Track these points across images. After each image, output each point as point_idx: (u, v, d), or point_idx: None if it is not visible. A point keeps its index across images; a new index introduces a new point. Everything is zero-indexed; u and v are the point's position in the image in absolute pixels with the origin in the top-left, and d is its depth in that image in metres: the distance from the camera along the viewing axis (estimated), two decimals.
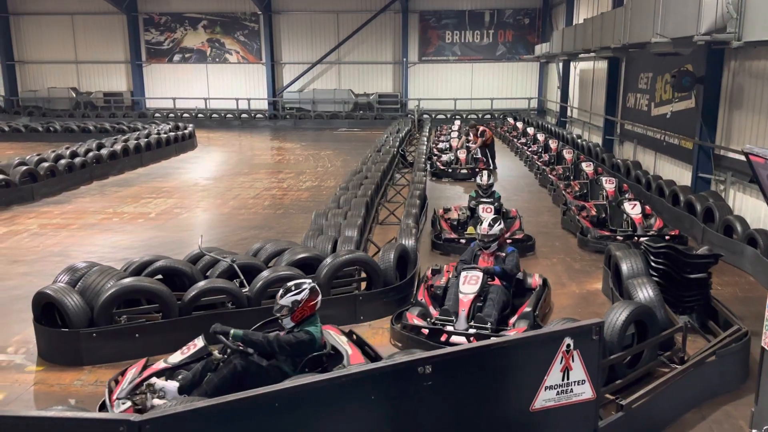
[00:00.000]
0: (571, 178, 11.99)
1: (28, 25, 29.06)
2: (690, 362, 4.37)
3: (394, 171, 13.24)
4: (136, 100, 29.16)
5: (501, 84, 28.08)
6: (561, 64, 22.15)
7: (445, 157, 14.51)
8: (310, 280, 4.31)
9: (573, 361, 3.20)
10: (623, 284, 5.36)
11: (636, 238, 7.82)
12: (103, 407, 3.89)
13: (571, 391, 3.24)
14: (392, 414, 3.00)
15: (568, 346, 3.18)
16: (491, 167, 14.56)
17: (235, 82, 28.95)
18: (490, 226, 5.81)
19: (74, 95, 28.97)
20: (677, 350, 4.77)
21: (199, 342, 4.08)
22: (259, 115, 27.67)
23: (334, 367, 4.00)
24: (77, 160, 13.56)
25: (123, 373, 4.16)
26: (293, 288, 4.12)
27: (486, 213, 7.98)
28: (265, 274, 5.55)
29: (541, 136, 17.09)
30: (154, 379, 3.87)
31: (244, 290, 5.43)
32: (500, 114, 26.10)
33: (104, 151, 14.70)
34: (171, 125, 20.37)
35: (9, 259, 8.02)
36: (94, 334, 4.92)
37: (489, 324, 5.00)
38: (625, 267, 5.54)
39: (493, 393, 3.19)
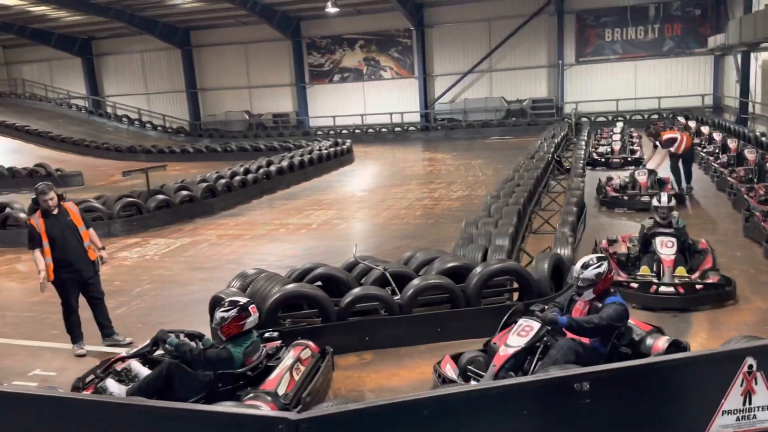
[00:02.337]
0: (755, 180, 10.69)
1: (208, 56, 32.50)
2: None
3: (549, 178, 12.76)
4: (301, 120, 31.26)
5: (669, 81, 25.97)
6: (739, 56, 19.98)
7: (617, 181, 11.14)
8: (246, 300, 4.41)
9: (756, 383, 2.83)
10: None
11: None
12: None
13: (755, 417, 2.86)
14: (546, 431, 2.86)
15: (750, 366, 2.81)
16: (682, 191, 10.83)
17: (389, 97, 29.88)
18: (584, 267, 4.41)
19: (247, 117, 31.81)
20: None
21: (147, 341, 4.67)
22: (411, 128, 28.29)
23: (246, 387, 4.11)
24: (250, 176, 14.76)
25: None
26: (226, 305, 4.27)
27: (665, 248, 6.37)
28: (415, 282, 5.61)
29: (717, 136, 15.49)
30: (135, 364, 4.41)
31: (395, 298, 5.55)
32: (669, 113, 24.12)
33: (273, 168, 15.89)
34: (331, 141, 21.58)
35: (191, 266, 8.95)
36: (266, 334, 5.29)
37: None
38: None
39: (661, 415, 2.91)
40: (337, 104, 30.62)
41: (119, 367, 4.47)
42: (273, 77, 31.66)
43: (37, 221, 5.63)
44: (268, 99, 32.08)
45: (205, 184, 13.19)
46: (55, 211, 5.71)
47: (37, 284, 5.70)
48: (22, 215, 10.91)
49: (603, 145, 16.68)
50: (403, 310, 5.50)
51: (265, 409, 3.54)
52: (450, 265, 5.97)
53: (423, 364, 5.14)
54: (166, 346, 4.34)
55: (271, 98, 32.00)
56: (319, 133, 28.53)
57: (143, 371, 4.38)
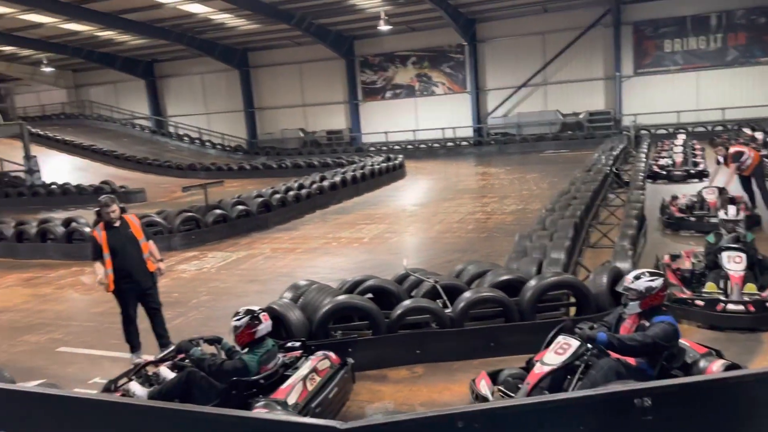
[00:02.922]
0: None
1: (265, 76, 33.35)
2: None
3: (607, 191, 12.39)
4: (354, 136, 31.61)
5: (734, 91, 24.91)
6: None
7: (682, 200, 10.08)
8: (258, 308, 4.49)
9: None
10: None
11: None
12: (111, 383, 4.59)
13: None
14: None
15: None
16: (754, 209, 9.56)
17: (441, 113, 29.84)
18: (637, 278, 4.18)
19: (302, 135, 32.43)
20: None
21: (173, 347, 4.94)
22: (463, 143, 28.12)
23: (258, 395, 4.13)
24: (303, 191, 14.98)
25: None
26: (240, 314, 4.39)
27: (733, 264, 5.99)
28: (467, 295, 5.51)
29: None
30: (164, 369, 4.58)
31: (447, 311, 5.46)
32: (734, 125, 23.12)
33: (326, 183, 16.08)
34: (383, 157, 21.67)
35: (247, 278, 9.11)
36: (313, 347, 5.29)
37: None
38: None
39: None
40: (389, 120, 30.81)
41: (151, 371, 4.66)
42: (327, 95, 32.18)
43: (99, 233, 5.84)
44: (322, 116, 32.61)
45: (260, 199, 13.46)
46: (117, 223, 5.90)
47: (99, 295, 5.94)
48: (87, 229, 11.38)
49: (664, 157, 16.10)
50: (454, 323, 5.40)
51: None
52: (503, 278, 5.83)
53: None
54: (190, 355, 4.48)
55: (325, 116, 32.51)
56: (372, 149, 28.72)
57: (170, 376, 4.54)
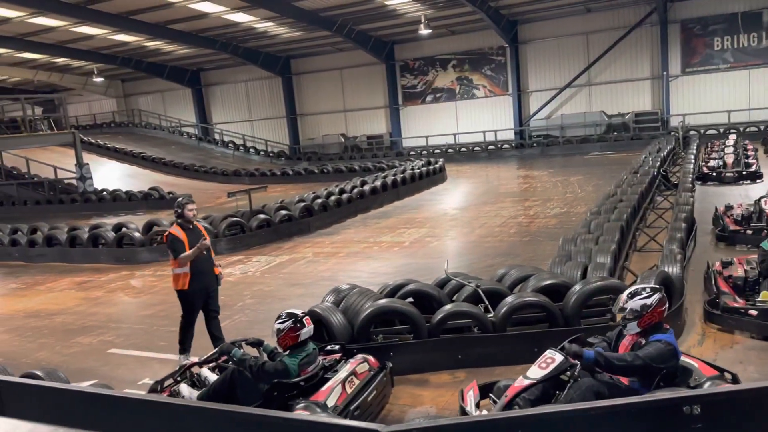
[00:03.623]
0: None
1: (307, 82, 33.79)
2: None
3: (655, 193, 12.07)
4: (394, 140, 31.67)
5: None
6: None
7: (738, 210, 9.22)
8: (301, 312, 4.49)
9: None
10: None
11: None
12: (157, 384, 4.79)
13: None
14: None
15: None
16: None
17: (482, 116, 29.64)
18: (631, 296, 3.92)
19: (343, 140, 32.68)
20: None
21: (216, 349, 5.09)
22: (505, 146, 27.84)
23: (298, 396, 4.18)
24: (344, 196, 15.10)
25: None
26: (282, 317, 4.43)
27: None
28: (509, 299, 5.45)
29: None
30: (206, 371, 4.74)
31: (489, 315, 5.40)
32: None
33: (366, 188, 16.14)
34: (423, 161, 21.66)
35: (289, 282, 9.22)
36: (355, 350, 5.32)
37: None
38: None
39: None
40: (429, 124, 30.76)
41: (195, 372, 4.82)
42: (367, 100, 32.36)
43: (178, 231, 5.99)
44: (362, 121, 32.80)
45: (302, 204, 13.62)
46: (191, 226, 6.07)
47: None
48: (137, 234, 11.74)
49: (714, 158, 15.59)
50: (496, 328, 5.35)
51: None
52: (547, 282, 5.75)
53: None
54: (232, 356, 4.55)
55: (366, 121, 32.70)
56: (412, 153, 28.71)
57: (213, 377, 4.67)
